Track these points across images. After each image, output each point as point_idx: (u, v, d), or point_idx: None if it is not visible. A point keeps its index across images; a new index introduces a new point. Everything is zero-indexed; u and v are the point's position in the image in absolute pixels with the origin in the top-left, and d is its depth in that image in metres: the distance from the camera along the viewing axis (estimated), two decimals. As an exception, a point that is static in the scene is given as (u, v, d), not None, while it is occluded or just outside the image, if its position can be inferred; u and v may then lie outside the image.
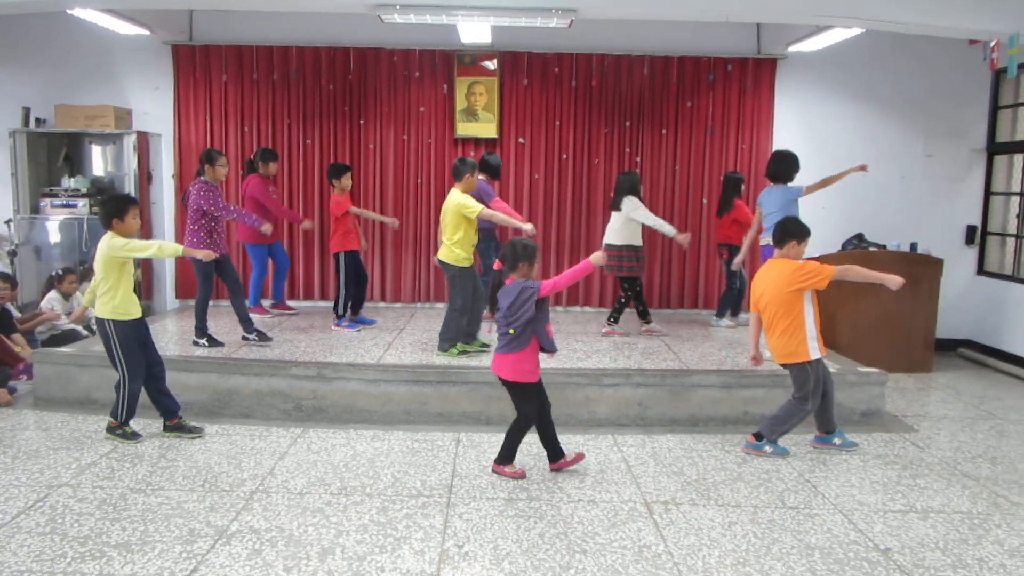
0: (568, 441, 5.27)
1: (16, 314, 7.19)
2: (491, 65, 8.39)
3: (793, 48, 8.04)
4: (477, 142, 8.54)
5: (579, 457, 4.79)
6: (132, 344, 5.07)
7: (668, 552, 3.74)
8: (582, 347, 6.68)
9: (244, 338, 6.51)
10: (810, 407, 5.05)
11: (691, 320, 8.20)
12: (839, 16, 6.49)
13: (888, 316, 7.32)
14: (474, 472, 4.71)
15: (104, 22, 7.30)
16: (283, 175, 8.50)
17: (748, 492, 4.49)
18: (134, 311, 5.08)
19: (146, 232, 8.13)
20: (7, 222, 8.29)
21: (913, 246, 8.01)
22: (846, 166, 8.47)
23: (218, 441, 5.17)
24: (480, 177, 7.22)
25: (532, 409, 4.60)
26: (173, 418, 5.29)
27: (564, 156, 8.55)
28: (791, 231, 5.05)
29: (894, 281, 4.94)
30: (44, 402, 5.90)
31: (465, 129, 8.49)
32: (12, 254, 8.14)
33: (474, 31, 7.47)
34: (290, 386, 5.75)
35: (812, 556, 3.73)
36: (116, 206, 5.02)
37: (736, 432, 5.53)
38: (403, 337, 6.90)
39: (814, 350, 4.98)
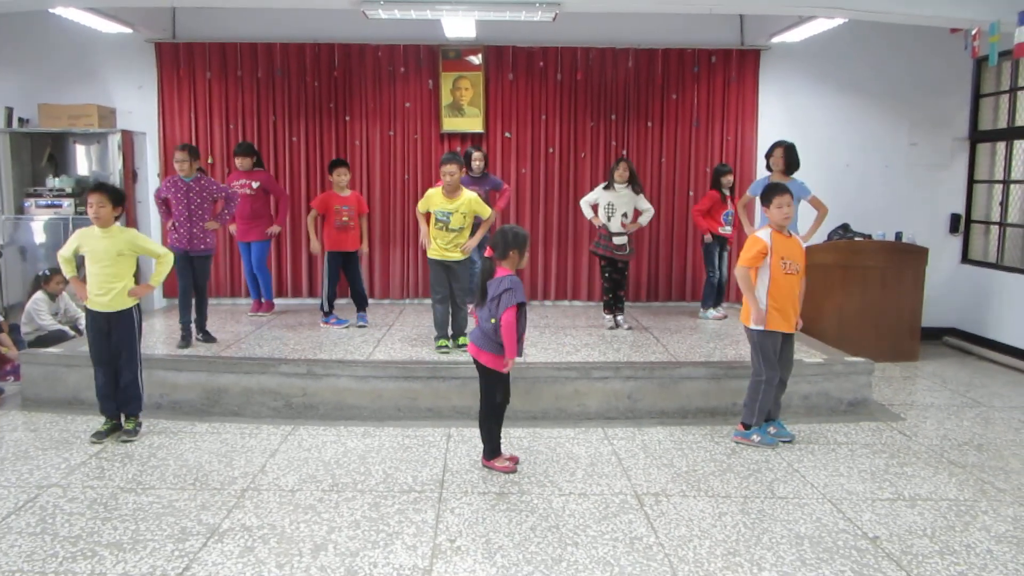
0: (558, 435, 5.31)
1: None
2: (476, 60, 8.38)
3: (776, 39, 8.07)
4: (463, 137, 8.53)
5: (512, 465, 4.69)
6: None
7: (659, 543, 3.77)
8: (571, 341, 6.70)
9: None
10: (766, 378, 5.07)
11: (679, 312, 8.23)
12: (822, 6, 6.51)
13: (874, 306, 7.38)
14: (465, 467, 4.73)
15: (86, 20, 7.24)
16: (269, 172, 8.47)
17: (738, 483, 4.52)
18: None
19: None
20: (-9, 223, 8.24)
21: (898, 235, 8.06)
22: (830, 156, 8.59)
23: (208, 440, 5.17)
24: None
25: (501, 395, 4.62)
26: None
27: (550, 150, 8.56)
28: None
29: (754, 314, 5.03)
30: (32, 403, 5.87)
31: (451, 124, 8.47)
32: (-3, 255, 8.09)
33: (458, 26, 7.45)
34: (280, 384, 5.74)
35: (802, 545, 3.77)
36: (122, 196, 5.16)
37: (725, 423, 5.57)
38: (392, 333, 6.90)
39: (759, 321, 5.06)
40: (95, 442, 5.08)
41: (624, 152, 8.53)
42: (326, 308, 7.22)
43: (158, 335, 6.87)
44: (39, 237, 8.10)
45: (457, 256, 6.12)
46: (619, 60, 8.41)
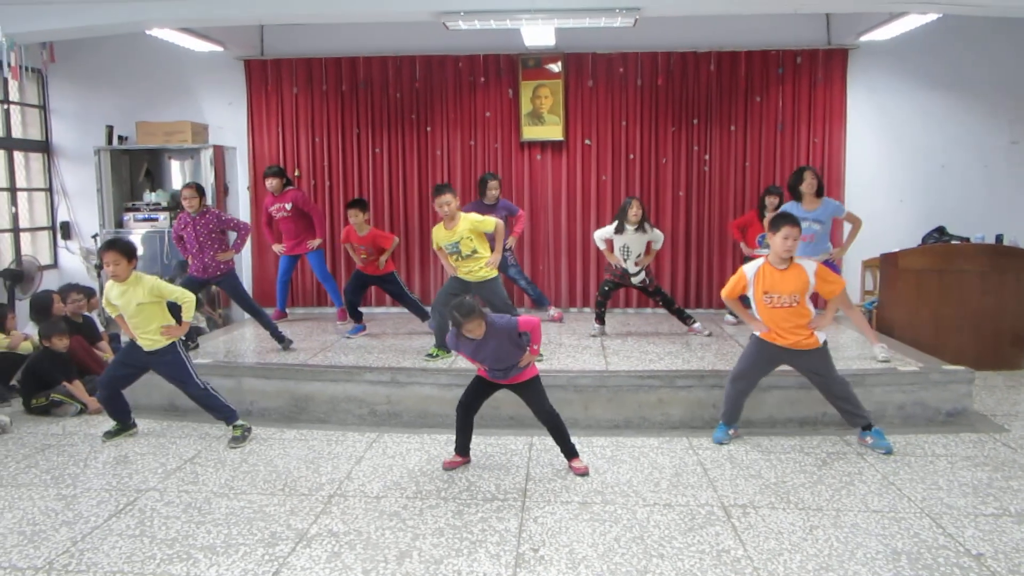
0: (642, 444, 5.24)
1: (101, 327, 7.47)
2: (555, 68, 8.38)
3: (865, 38, 7.81)
4: (543, 145, 8.55)
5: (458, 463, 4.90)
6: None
7: (747, 556, 3.67)
8: (655, 349, 6.61)
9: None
10: (732, 376, 5.25)
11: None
12: (914, 1, 6.29)
13: (974, 311, 7.04)
14: (548, 476, 4.70)
15: (180, 40, 7.55)
16: (352, 184, 8.67)
17: (829, 495, 4.37)
18: None
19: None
20: (94, 236, 8.64)
21: (999, 238, 7.70)
22: (924, 157, 8.28)
23: (296, 446, 5.28)
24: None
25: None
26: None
27: (631, 156, 8.49)
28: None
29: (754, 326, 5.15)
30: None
31: (531, 132, 8.50)
32: (98, 267, 8.47)
33: (538, 34, 7.47)
34: (365, 391, 5.83)
35: (899, 561, 3.61)
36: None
37: (815, 433, 5.40)
38: (474, 341, 6.92)
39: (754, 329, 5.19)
40: (105, 440, 5.37)
41: (707, 157, 8.39)
42: (350, 314, 7.41)
43: (248, 343, 7.07)
44: (138, 250, 8.42)
45: (479, 276, 6.08)
46: (701, 64, 8.29)
